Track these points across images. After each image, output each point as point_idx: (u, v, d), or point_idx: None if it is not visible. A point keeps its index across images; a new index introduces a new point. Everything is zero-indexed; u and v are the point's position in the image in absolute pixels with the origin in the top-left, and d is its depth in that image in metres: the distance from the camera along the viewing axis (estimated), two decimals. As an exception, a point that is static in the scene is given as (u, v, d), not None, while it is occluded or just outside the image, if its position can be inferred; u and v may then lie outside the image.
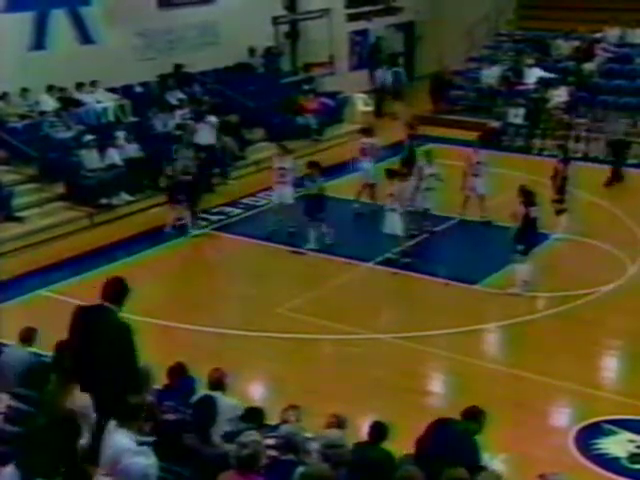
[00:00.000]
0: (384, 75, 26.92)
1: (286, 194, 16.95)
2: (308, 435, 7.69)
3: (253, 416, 7.90)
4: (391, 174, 15.93)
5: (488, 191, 17.42)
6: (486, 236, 16.72)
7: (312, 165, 16.73)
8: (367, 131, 19.08)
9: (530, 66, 25.15)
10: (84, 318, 7.42)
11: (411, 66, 30.64)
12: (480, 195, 17.45)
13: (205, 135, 20.13)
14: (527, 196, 14.39)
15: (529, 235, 14.39)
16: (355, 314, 13.97)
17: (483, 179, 17.38)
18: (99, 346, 7.19)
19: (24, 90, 19.55)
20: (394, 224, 15.52)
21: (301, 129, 23.19)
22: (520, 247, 14.34)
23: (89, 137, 19.01)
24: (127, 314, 14.08)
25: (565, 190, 16.50)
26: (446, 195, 17.61)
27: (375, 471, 7.17)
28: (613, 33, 25.67)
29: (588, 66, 24.81)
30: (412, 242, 16.33)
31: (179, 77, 22.59)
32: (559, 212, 16.51)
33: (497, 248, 15.34)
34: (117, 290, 7.45)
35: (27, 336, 9.59)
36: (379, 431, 7.65)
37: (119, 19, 20.79)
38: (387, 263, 15.78)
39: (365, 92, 26.74)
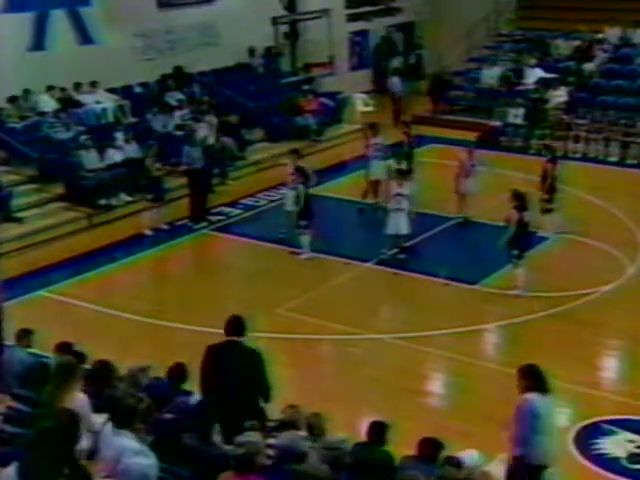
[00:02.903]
0: (398, 85, 26.48)
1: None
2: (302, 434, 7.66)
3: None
4: (403, 174, 15.87)
5: (478, 190, 17.41)
6: (485, 236, 16.69)
7: (295, 170, 16.53)
8: (374, 129, 18.94)
9: (530, 66, 25.16)
10: (219, 354, 8.51)
11: (413, 66, 30.66)
12: (468, 194, 17.47)
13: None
14: (520, 200, 14.35)
15: (522, 239, 14.39)
16: (355, 314, 13.97)
17: (474, 179, 17.38)
18: (238, 371, 8.35)
19: (26, 92, 19.60)
20: (399, 224, 15.50)
21: (300, 129, 23.19)
22: (514, 252, 14.35)
23: (88, 137, 19.03)
24: (129, 314, 14.18)
25: (555, 189, 16.45)
26: (443, 195, 17.69)
27: (375, 472, 7.17)
28: (613, 33, 25.67)
29: (588, 66, 24.81)
30: (411, 242, 16.34)
31: (179, 78, 22.60)
32: (545, 211, 16.41)
33: (496, 248, 15.31)
34: (238, 325, 8.58)
35: (23, 337, 9.59)
36: (379, 431, 7.64)
37: (119, 19, 20.79)
38: (387, 263, 15.78)
39: (365, 92, 26.74)
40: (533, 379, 8.32)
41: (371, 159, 18.34)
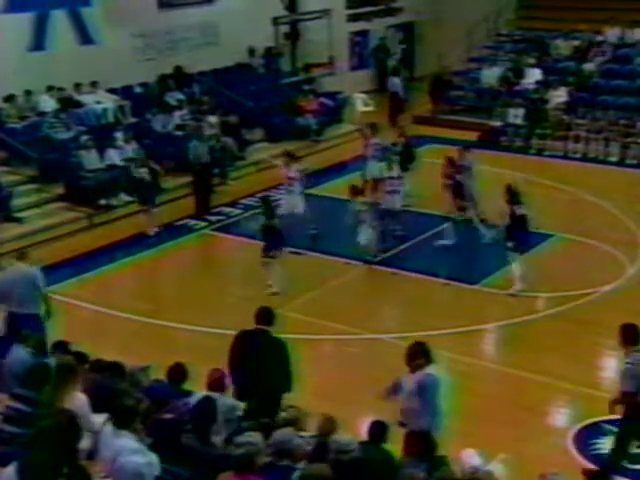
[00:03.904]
0: (398, 85, 26.29)
1: (296, 203, 16.39)
2: (304, 434, 7.66)
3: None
4: (356, 192, 15.75)
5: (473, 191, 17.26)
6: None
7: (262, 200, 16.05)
8: (373, 129, 18.79)
9: (530, 66, 25.17)
10: (248, 339, 9.46)
11: (411, 66, 30.68)
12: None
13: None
14: (512, 195, 14.38)
15: (518, 232, 14.39)
16: (355, 314, 13.96)
17: (468, 180, 17.14)
18: (264, 358, 9.26)
19: (27, 92, 19.61)
20: (367, 237, 15.52)
21: (300, 129, 23.20)
22: (510, 244, 14.37)
23: (88, 138, 19.03)
24: (128, 314, 14.18)
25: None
26: (443, 195, 17.65)
27: (378, 471, 7.17)
28: (613, 33, 25.67)
29: (588, 66, 24.82)
30: (411, 242, 16.35)
31: (179, 78, 22.60)
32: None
33: (496, 248, 15.32)
34: (268, 315, 9.56)
35: (23, 337, 9.61)
36: (380, 431, 7.65)
37: (119, 20, 20.80)
38: (387, 263, 15.79)
39: (365, 92, 26.75)
40: (426, 355, 8.81)
41: (369, 159, 18.31)
